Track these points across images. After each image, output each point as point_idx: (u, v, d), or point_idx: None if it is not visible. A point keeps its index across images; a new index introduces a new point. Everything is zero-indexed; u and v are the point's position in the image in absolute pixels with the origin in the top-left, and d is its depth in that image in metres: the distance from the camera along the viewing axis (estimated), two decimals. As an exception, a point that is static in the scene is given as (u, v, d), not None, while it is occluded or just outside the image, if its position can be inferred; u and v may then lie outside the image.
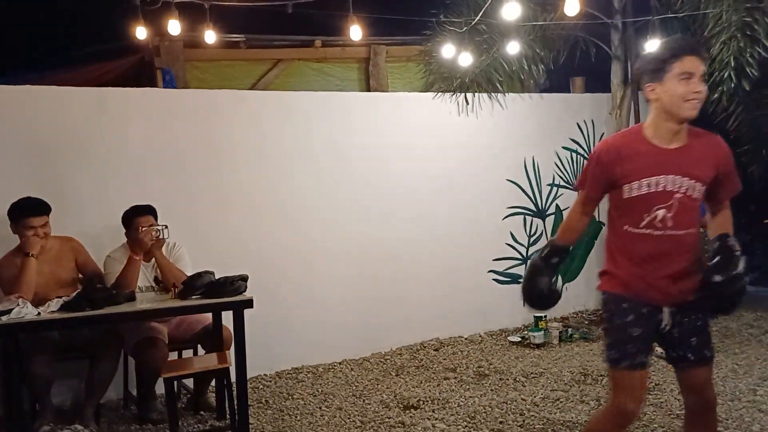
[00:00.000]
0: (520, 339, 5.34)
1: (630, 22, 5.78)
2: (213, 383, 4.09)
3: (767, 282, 7.07)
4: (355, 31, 4.87)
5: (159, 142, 4.51)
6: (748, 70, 4.85)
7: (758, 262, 8.32)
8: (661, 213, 2.29)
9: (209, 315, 3.87)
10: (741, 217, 8.69)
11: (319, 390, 4.39)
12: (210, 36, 4.93)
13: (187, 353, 4.16)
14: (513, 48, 5.36)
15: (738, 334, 5.14)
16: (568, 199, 6.12)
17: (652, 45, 5.56)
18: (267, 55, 6.25)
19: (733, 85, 4.94)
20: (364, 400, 4.14)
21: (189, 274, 3.74)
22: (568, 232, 2.63)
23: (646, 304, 2.32)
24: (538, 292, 2.57)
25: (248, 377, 3.60)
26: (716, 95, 5.21)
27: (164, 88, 5.38)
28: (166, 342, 3.82)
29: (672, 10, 5.53)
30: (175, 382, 3.60)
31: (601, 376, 4.30)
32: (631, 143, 2.35)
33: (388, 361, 5.00)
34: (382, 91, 6.31)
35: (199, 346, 4.10)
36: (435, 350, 5.20)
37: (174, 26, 4.60)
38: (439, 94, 5.47)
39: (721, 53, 5.00)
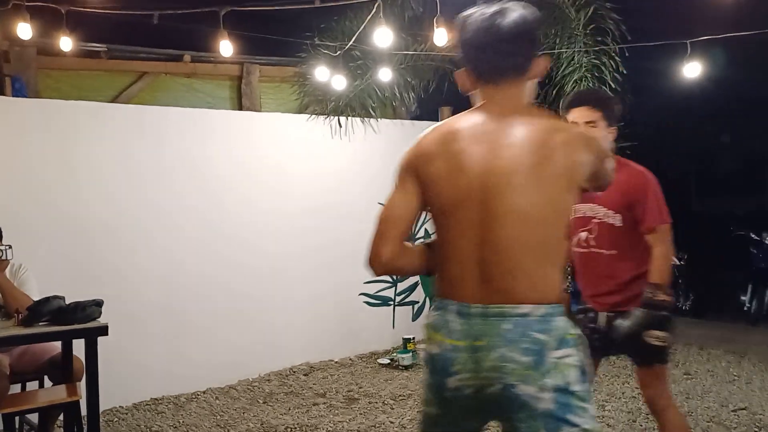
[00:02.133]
0: (389, 361, 5.39)
1: (494, 57, 6.10)
2: (61, 418, 3.76)
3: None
4: (226, 48, 4.75)
5: (5, 155, 4.14)
6: (597, 108, 5.27)
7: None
8: (583, 235, 2.71)
9: (57, 344, 3.56)
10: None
11: (181, 421, 4.17)
12: (66, 43, 4.60)
13: (33, 386, 3.79)
14: (385, 75, 5.48)
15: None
16: (436, 224, 6.30)
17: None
18: (131, 67, 5.95)
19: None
20: (229, 431, 3.97)
21: (35, 299, 3.43)
22: None
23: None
24: None
25: (102, 410, 3.35)
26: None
27: (13, 96, 4.96)
28: (8, 373, 3.46)
29: (531, 48, 5.91)
30: (17, 418, 3.29)
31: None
32: None
33: (255, 388, 4.85)
34: (255, 110, 6.21)
35: (46, 377, 3.75)
36: (305, 375, 5.13)
37: (24, 30, 4.25)
38: (313, 116, 5.47)
39: (573, 91, 5.42)
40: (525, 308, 1.50)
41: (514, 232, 1.51)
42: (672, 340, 2.57)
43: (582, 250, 2.72)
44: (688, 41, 4.77)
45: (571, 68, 5.50)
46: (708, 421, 3.81)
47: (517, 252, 1.51)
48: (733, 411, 3.97)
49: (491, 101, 1.65)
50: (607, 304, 2.68)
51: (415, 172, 1.65)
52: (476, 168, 1.55)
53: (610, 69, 5.35)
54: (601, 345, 2.69)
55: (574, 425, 1.48)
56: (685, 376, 4.66)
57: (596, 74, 5.35)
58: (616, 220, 2.62)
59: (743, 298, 6.81)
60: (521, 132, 1.56)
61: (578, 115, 2.61)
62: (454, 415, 1.62)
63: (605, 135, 2.59)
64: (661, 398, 2.65)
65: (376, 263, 1.67)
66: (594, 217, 2.67)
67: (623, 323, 2.54)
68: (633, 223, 2.58)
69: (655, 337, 2.49)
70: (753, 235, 7.06)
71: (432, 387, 1.63)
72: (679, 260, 6.66)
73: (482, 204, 1.54)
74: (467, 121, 1.65)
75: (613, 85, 5.35)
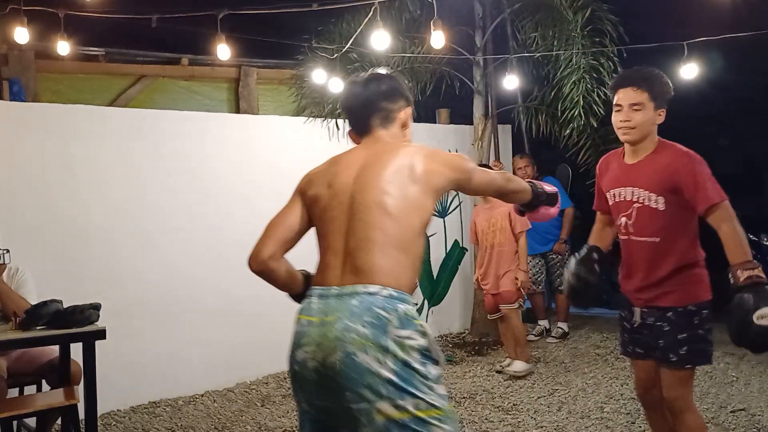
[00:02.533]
0: (387, 364, 5.39)
1: (491, 60, 6.13)
2: (59, 422, 3.76)
3: (612, 305, 7.62)
4: (223, 51, 4.76)
5: (3, 158, 4.14)
6: (596, 109, 5.29)
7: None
8: (623, 220, 2.60)
9: (55, 347, 3.56)
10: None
11: (178, 424, 4.16)
12: (63, 47, 4.61)
13: (30, 389, 3.79)
14: (382, 77, 5.48)
15: (586, 354, 5.50)
16: (434, 226, 6.30)
17: (510, 81, 5.94)
18: (129, 70, 5.96)
19: (582, 122, 5.36)
20: (227, 433, 3.97)
21: (33, 302, 3.43)
22: (592, 235, 2.85)
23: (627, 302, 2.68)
24: (581, 281, 2.67)
25: (99, 414, 3.34)
26: (567, 131, 5.64)
27: (11, 100, 4.96)
28: (5, 377, 3.46)
29: (528, 50, 5.94)
30: (15, 422, 3.28)
31: (464, 398, 4.43)
32: (611, 158, 2.75)
33: (253, 390, 4.85)
34: (253, 113, 6.22)
35: (44, 381, 3.75)
36: (302, 378, 5.12)
37: (21, 34, 4.26)
38: (311, 118, 5.48)
39: (571, 93, 5.43)
40: (373, 288, 1.70)
41: (370, 225, 1.76)
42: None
43: (622, 237, 2.61)
44: (685, 43, 4.78)
45: (569, 70, 5.51)
46: (707, 423, 3.80)
47: (373, 242, 1.74)
48: (731, 412, 3.97)
49: (365, 144, 1.99)
50: (642, 300, 2.58)
51: (302, 193, 1.96)
52: (345, 179, 1.85)
53: (609, 71, 5.36)
54: (641, 345, 2.62)
55: (417, 397, 1.63)
56: (683, 378, 4.66)
57: (594, 76, 5.37)
58: (659, 203, 2.48)
59: None
60: (384, 154, 1.87)
61: (623, 96, 2.51)
62: (303, 391, 1.79)
63: (651, 117, 2.49)
64: (683, 401, 2.53)
65: (253, 259, 1.92)
66: (635, 201, 2.54)
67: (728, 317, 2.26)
68: (677, 209, 2.45)
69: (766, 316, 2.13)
70: (751, 237, 7.06)
71: (288, 361, 1.83)
72: None
73: (348, 204, 1.81)
74: (346, 153, 1.98)
75: (611, 87, 5.37)
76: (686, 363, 2.49)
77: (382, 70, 2.06)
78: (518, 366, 4.87)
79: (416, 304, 1.79)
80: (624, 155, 2.64)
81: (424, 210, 1.82)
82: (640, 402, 2.84)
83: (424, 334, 1.69)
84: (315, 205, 1.90)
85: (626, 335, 2.70)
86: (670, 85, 2.58)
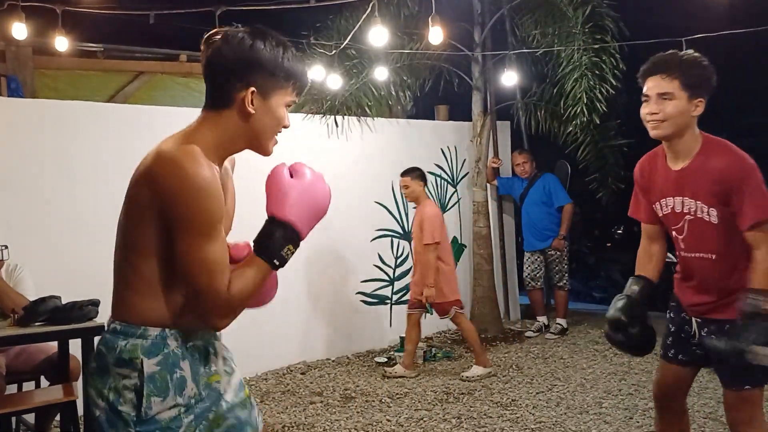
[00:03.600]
0: (386, 360, 5.39)
1: (489, 56, 6.13)
2: (58, 418, 3.76)
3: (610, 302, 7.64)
4: (222, 47, 4.76)
5: (1, 155, 4.13)
6: (597, 105, 5.30)
7: (603, 283, 9.03)
8: (674, 234, 2.31)
9: (54, 344, 3.56)
10: (586, 241, 9.47)
11: (178, 420, 4.16)
12: (61, 43, 4.60)
13: (29, 386, 3.79)
14: (381, 74, 5.49)
15: (585, 350, 5.50)
16: (433, 222, 6.31)
17: (509, 78, 5.95)
18: (127, 67, 5.96)
19: (585, 119, 5.37)
20: (226, 429, 3.97)
21: (32, 299, 3.43)
22: (639, 258, 2.49)
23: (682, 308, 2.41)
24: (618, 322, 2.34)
25: None
26: (570, 128, 5.65)
27: (9, 96, 4.96)
28: (4, 373, 3.46)
29: (527, 46, 5.95)
30: (13, 419, 3.27)
31: (462, 394, 4.43)
32: (651, 161, 2.37)
33: (252, 387, 4.85)
34: (251, 110, 6.22)
35: (42, 377, 3.75)
36: (302, 374, 5.13)
37: (20, 30, 4.25)
38: (309, 115, 5.47)
39: (573, 90, 5.44)
40: (109, 321, 1.54)
41: (115, 257, 1.55)
42: None
43: (677, 252, 2.33)
44: (683, 39, 4.78)
45: (570, 66, 5.51)
46: (705, 418, 3.82)
47: (115, 275, 1.55)
48: (729, 408, 3.98)
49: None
50: (696, 311, 2.33)
51: None
52: None
53: (610, 67, 5.37)
54: (688, 353, 2.39)
55: None
56: (681, 374, 4.68)
57: (596, 72, 5.37)
58: (712, 216, 2.17)
59: None
60: (143, 161, 1.53)
61: (651, 85, 2.20)
62: None
63: (686, 109, 2.16)
64: (749, 427, 2.24)
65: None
66: (686, 213, 2.23)
67: (718, 341, 2.13)
68: (731, 221, 2.15)
69: (763, 354, 1.99)
70: None
71: None
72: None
73: None
74: None
75: (614, 82, 5.38)
76: (745, 383, 2.21)
77: (243, 31, 1.57)
78: (474, 371, 4.81)
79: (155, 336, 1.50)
80: (666, 158, 2.30)
81: (144, 239, 1.49)
82: (655, 402, 2.59)
83: (138, 371, 1.46)
84: None
85: (671, 338, 2.44)
86: (711, 70, 2.23)
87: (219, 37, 1.54)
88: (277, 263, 1.53)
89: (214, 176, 1.47)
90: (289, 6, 5.01)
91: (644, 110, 2.22)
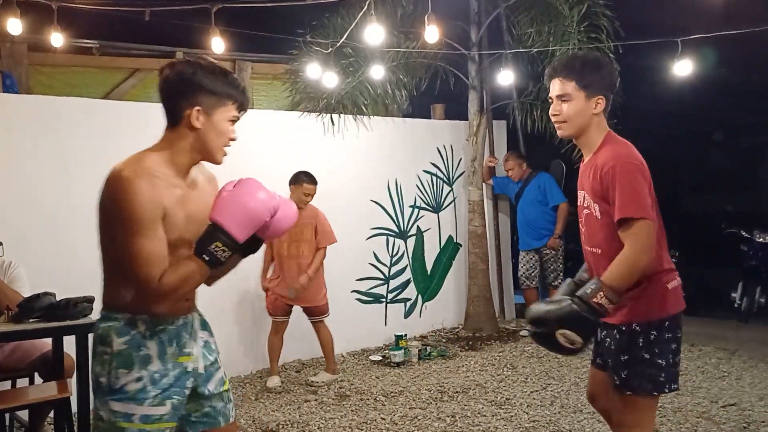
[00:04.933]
0: (381, 358, 5.40)
1: (485, 55, 6.13)
2: (52, 415, 3.75)
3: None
4: (217, 44, 4.75)
5: (-5, 151, 4.12)
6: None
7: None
8: (581, 227, 2.38)
9: (48, 341, 3.55)
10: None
11: (172, 418, 4.16)
12: (56, 39, 4.58)
13: (23, 383, 3.78)
14: (377, 72, 5.48)
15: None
16: (429, 221, 6.32)
17: (505, 77, 5.95)
18: (123, 64, 5.94)
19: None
20: (220, 427, 3.97)
21: (26, 296, 3.41)
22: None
23: None
24: None
25: (92, 407, 3.32)
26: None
27: (4, 93, 4.94)
28: (-3, 371, 3.46)
29: (523, 45, 5.95)
30: (7, 415, 3.27)
31: (457, 393, 4.44)
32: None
33: (247, 384, 4.85)
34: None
35: (36, 374, 3.74)
36: (297, 372, 5.13)
37: (14, 25, 4.23)
38: (305, 113, 5.47)
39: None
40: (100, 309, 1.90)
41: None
42: (582, 348, 2.13)
43: (583, 246, 2.37)
44: (679, 39, 4.79)
45: (564, 65, 5.51)
46: (698, 417, 3.84)
47: (103, 267, 1.90)
48: (722, 407, 4.00)
49: None
50: None
51: None
52: None
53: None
54: (599, 356, 2.44)
55: (96, 406, 1.86)
56: (675, 373, 4.69)
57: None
58: (596, 211, 2.23)
59: (734, 295, 6.85)
60: None
61: (552, 89, 2.29)
62: None
63: (584, 108, 2.22)
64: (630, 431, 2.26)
65: None
66: (585, 207, 2.31)
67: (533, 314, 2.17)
68: (612, 217, 2.17)
69: (565, 337, 2.08)
70: (744, 233, 7.09)
71: None
72: (671, 258, 6.68)
73: None
74: None
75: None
76: (626, 388, 2.22)
77: (183, 60, 1.90)
78: (321, 377, 4.83)
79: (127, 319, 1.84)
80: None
81: (106, 238, 1.87)
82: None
83: (109, 347, 1.81)
84: None
85: (594, 342, 2.45)
86: (608, 68, 2.30)
87: (167, 68, 1.86)
88: (207, 258, 1.79)
89: (150, 184, 1.74)
90: (285, 3, 5.00)
91: (550, 111, 2.34)
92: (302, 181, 4.68)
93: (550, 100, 2.33)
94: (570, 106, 2.25)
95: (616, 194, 2.12)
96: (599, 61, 2.32)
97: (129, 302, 1.81)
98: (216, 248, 1.79)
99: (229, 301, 5.01)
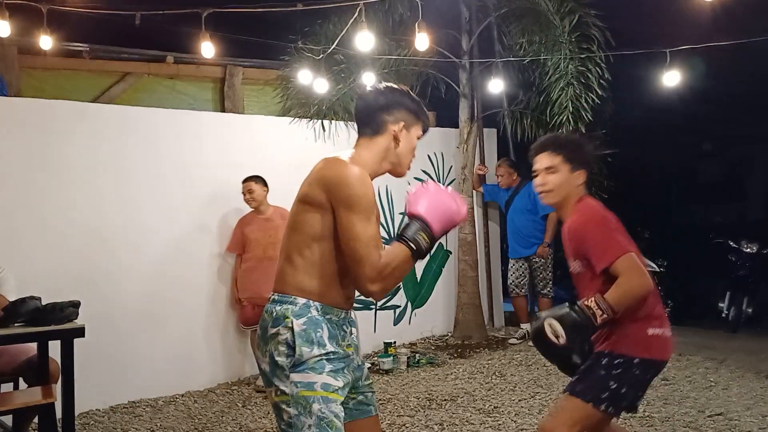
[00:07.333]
0: (370, 365, 5.38)
1: (477, 63, 6.15)
2: (36, 420, 3.71)
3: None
4: (207, 49, 4.73)
5: (-18, 154, 4.09)
6: (583, 114, 5.33)
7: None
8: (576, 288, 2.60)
9: (34, 345, 3.51)
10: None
11: (158, 425, 4.13)
12: (46, 42, 4.55)
13: (7, 387, 3.74)
14: (368, 79, 5.49)
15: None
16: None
17: (495, 85, 5.97)
18: (113, 68, 5.92)
19: (571, 128, 5.39)
20: (207, 434, 3.95)
21: (13, 300, 3.38)
22: None
23: None
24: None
25: (78, 413, 3.31)
26: (556, 138, 5.66)
27: (-7, 95, 4.90)
28: (-18, 376, 3.42)
29: (514, 54, 5.97)
30: (-10, 421, 3.22)
31: (445, 400, 4.43)
32: None
33: (235, 391, 4.82)
34: (238, 113, 6.19)
35: (21, 379, 3.70)
36: (284, 379, 5.10)
37: (3, 27, 4.20)
38: (296, 119, 5.46)
39: (559, 98, 5.46)
40: (272, 295, 1.99)
41: (282, 241, 2.02)
42: (568, 349, 2.31)
43: None
44: (667, 50, 4.83)
45: (557, 75, 5.54)
46: (685, 427, 3.84)
47: (281, 256, 2.01)
48: (709, 417, 4.01)
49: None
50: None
51: None
52: None
53: (596, 76, 5.40)
54: None
55: (275, 385, 1.91)
56: (663, 382, 4.70)
57: (582, 81, 5.41)
58: (581, 267, 2.47)
59: (721, 305, 6.89)
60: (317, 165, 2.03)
61: (539, 162, 2.56)
62: None
63: (568, 179, 2.49)
64: (552, 428, 2.40)
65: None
66: (575, 272, 2.54)
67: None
68: (593, 270, 2.39)
69: (552, 329, 2.28)
70: (731, 243, 7.14)
71: None
72: (659, 268, 6.72)
73: None
74: None
75: (599, 92, 5.41)
76: (569, 390, 2.42)
77: (387, 84, 2.16)
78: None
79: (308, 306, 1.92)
80: None
81: (306, 224, 1.95)
82: None
83: (289, 329, 1.90)
84: None
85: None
86: (589, 147, 2.63)
87: (371, 87, 2.16)
88: (413, 246, 1.92)
89: (369, 178, 1.97)
90: (276, 9, 5.00)
91: (535, 182, 2.59)
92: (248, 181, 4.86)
93: (534, 174, 2.57)
94: (557, 177, 2.51)
95: (589, 247, 2.38)
96: (582, 141, 2.67)
97: (309, 289, 1.94)
98: (420, 236, 1.93)
99: (215, 308, 4.99)
